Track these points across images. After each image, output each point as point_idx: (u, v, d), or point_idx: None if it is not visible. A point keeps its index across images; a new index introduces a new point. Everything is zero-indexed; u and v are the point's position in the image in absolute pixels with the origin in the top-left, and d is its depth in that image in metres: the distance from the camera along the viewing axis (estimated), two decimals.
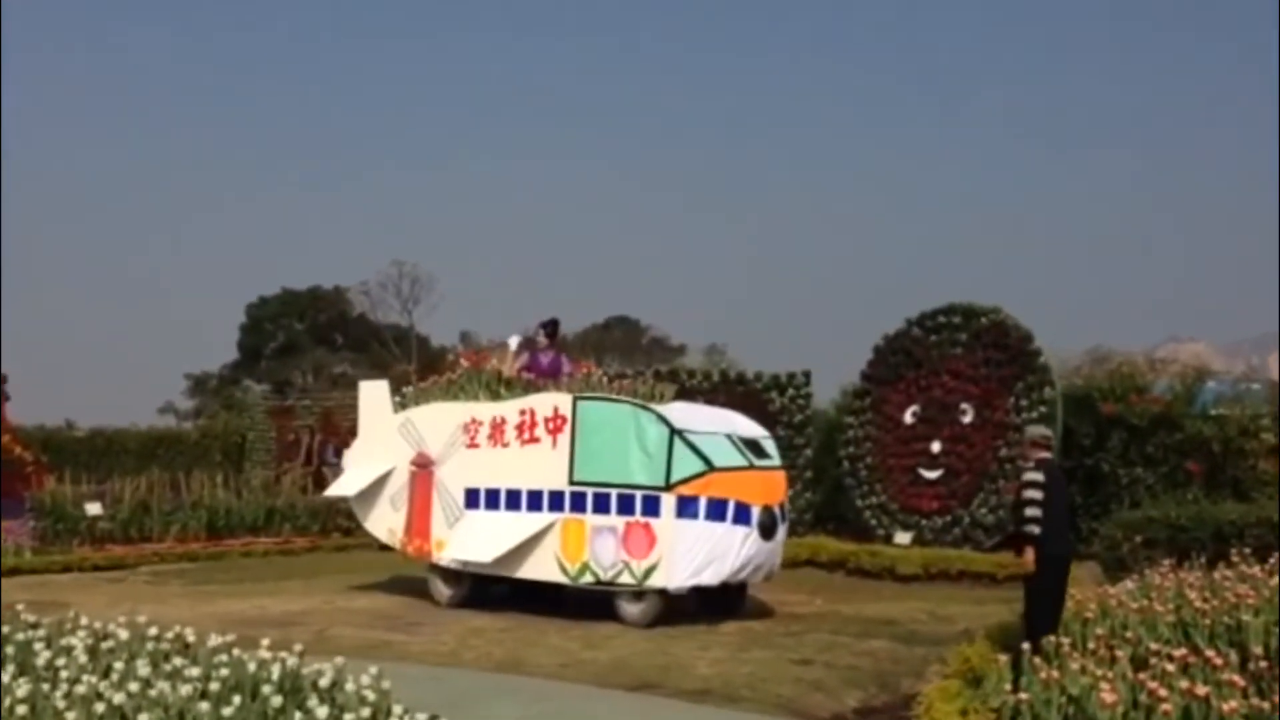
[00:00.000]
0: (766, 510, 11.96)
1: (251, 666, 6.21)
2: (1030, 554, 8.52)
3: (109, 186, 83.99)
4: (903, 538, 17.00)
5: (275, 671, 6.17)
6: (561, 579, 12.35)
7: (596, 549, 12.03)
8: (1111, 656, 7.26)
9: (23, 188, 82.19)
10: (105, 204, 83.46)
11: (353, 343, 61.10)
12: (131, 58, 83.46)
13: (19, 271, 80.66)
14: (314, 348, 60.29)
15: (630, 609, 11.93)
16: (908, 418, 17.60)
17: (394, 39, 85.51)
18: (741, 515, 11.73)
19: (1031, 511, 8.51)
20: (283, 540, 20.41)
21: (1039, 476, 8.67)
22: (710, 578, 11.69)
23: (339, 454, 25.80)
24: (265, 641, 6.75)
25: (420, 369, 48.41)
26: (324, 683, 6.13)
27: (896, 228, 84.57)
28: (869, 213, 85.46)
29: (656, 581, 11.71)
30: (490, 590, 13.06)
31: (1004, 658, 7.34)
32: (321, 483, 24.37)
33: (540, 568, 12.45)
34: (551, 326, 14.13)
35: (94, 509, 18.98)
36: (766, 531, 11.92)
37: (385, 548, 14.36)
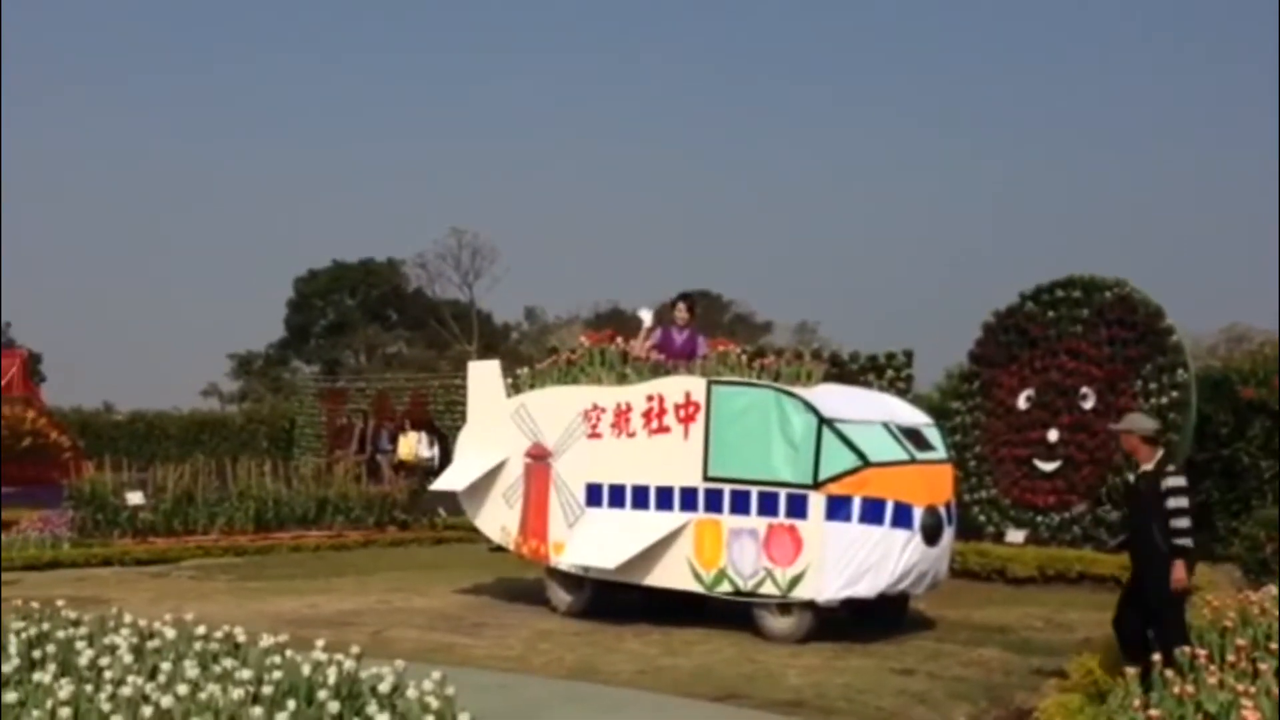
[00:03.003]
0: (930, 511, 11.46)
1: (306, 669, 6.34)
2: (1181, 569, 8.26)
3: (146, 153, 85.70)
4: (1015, 536, 16.83)
5: (331, 675, 6.28)
6: (695, 587, 11.97)
7: (735, 554, 11.65)
8: (1254, 669, 7.15)
9: (56, 159, 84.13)
10: (143, 171, 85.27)
11: (408, 320, 61.75)
12: (167, 13, 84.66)
13: (53, 247, 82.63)
14: (367, 325, 61.04)
15: (775, 623, 11.55)
16: (1021, 403, 17.40)
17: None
18: (902, 517, 11.23)
19: (1182, 523, 8.33)
20: (335, 534, 20.71)
21: (1182, 481, 8.52)
22: (865, 589, 11.22)
23: (394, 440, 26.23)
24: (320, 643, 6.88)
25: (481, 348, 48.88)
26: (384, 688, 6.24)
27: (1009, 190, 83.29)
28: (977, 175, 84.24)
29: (803, 593, 11.31)
30: (616, 598, 12.72)
31: (1131, 670, 7.25)
32: (375, 471, 24.76)
33: (671, 575, 12.10)
34: (691, 301, 13.64)
35: (135, 498, 19.39)
36: (931, 535, 11.41)
37: (498, 548, 14.32)
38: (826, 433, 11.32)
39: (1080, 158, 79.40)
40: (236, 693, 5.88)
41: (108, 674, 6.31)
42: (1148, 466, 8.62)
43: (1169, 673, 6.97)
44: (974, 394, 18.04)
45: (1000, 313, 18.01)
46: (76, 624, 7.57)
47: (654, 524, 12.18)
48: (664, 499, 12.21)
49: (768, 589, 11.50)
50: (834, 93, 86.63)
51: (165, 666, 6.37)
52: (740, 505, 11.69)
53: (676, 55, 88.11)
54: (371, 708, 5.98)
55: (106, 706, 5.78)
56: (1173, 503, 8.36)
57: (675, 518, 12.08)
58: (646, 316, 13.61)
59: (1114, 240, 69.17)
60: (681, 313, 13.47)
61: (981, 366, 18.08)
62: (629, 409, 12.57)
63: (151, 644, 7.06)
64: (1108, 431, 9.48)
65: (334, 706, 5.84)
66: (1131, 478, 8.87)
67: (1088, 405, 16.71)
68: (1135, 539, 8.74)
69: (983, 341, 18.17)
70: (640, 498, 12.41)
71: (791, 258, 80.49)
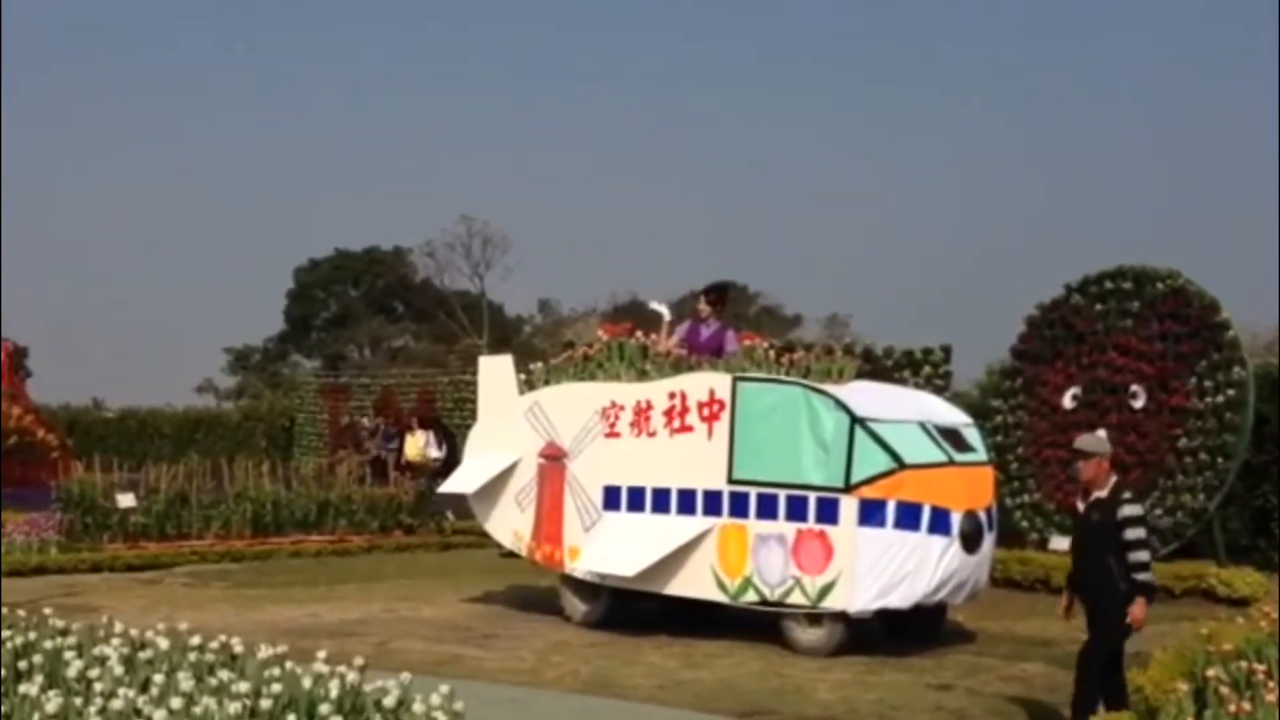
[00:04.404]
0: (970, 516, 11.47)
1: (307, 682, 6.34)
2: (1143, 606, 8.15)
3: (136, 135, 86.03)
4: (1059, 543, 16.73)
5: (334, 688, 6.29)
6: (719, 597, 12.01)
7: (761, 562, 11.66)
8: None
9: (43, 146, 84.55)
10: (133, 153, 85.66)
11: (415, 312, 61.88)
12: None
13: (40, 235, 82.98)
14: (371, 318, 61.20)
15: (803, 635, 11.58)
16: (1067, 401, 17.35)
17: None
18: (939, 522, 11.24)
19: (1142, 555, 8.20)
20: (337, 538, 20.74)
21: (1140, 510, 8.37)
22: (900, 599, 11.24)
23: (395, 439, 26.28)
24: (321, 654, 6.89)
25: (493, 342, 48.96)
26: (389, 702, 6.24)
27: (1053, 177, 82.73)
28: (1020, 160, 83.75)
29: (834, 603, 11.32)
30: (635, 608, 12.73)
31: (1184, 686, 7.21)
32: (380, 471, 24.81)
33: (693, 583, 12.12)
34: (716, 293, 13.60)
35: (126, 501, 19.41)
36: (970, 542, 11.41)
37: (509, 554, 14.28)
38: (859, 433, 11.32)
39: (1129, 141, 79.17)
40: (233, 706, 5.88)
41: (97, 686, 6.33)
42: (1101, 493, 8.38)
43: (1224, 689, 6.93)
44: (1016, 392, 17.99)
45: (1045, 305, 17.95)
46: (65, 633, 7.58)
47: (675, 529, 12.19)
48: (686, 502, 12.21)
49: (796, 598, 11.51)
50: (866, 77, 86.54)
51: (158, 678, 6.38)
52: (767, 509, 11.69)
53: (699, 39, 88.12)
54: None
55: None
56: (1131, 534, 8.19)
57: (698, 522, 12.08)
58: (665, 311, 13.59)
59: (1166, 229, 68.90)
60: (704, 306, 13.45)
61: (1024, 363, 18.03)
62: (649, 407, 12.57)
63: (143, 655, 7.07)
64: (1071, 452, 9.07)
65: None
66: (1080, 506, 8.64)
67: (1138, 404, 16.64)
68: (1086, 575, 8.47)
69: (1026, 336, 18.12)
70: (661, 501, 12.41)
71: (822, 247, 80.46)
